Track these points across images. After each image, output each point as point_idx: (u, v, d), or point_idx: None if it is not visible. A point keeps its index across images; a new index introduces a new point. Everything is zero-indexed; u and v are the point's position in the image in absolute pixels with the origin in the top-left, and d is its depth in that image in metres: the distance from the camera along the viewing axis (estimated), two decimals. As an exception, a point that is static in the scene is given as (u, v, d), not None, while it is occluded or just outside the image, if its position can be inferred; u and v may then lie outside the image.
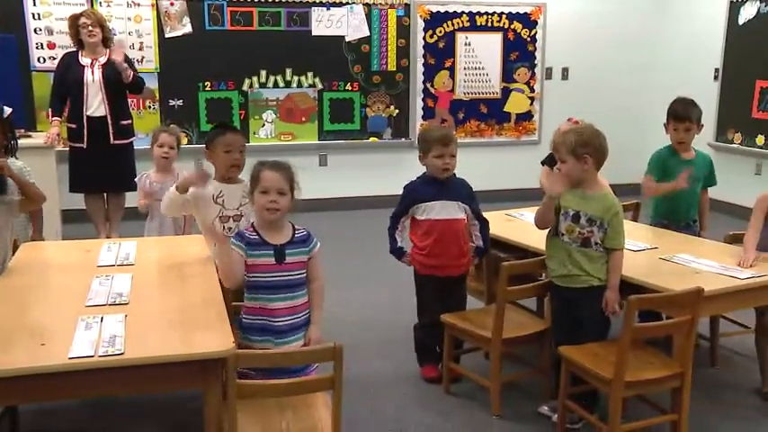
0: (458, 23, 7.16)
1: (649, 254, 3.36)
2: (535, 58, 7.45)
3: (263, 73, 6.72)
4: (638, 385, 2.80)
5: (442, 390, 3.45)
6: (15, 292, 2.83)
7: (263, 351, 2.51)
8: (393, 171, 7.11)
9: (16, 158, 3.79)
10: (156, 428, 3.16)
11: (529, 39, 7.39)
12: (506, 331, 3.18)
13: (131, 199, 5.70)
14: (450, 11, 7.12)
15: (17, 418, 2.99)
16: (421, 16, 7.05)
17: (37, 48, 6.08)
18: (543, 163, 4.26)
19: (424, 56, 7.14)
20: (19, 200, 3.27)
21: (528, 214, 4.10)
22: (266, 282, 2.70)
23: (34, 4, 6.03)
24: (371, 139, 7.15)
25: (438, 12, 7.09)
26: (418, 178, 3.55)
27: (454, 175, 3.52)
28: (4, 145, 3.70)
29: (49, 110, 5.50)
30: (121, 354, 2.22)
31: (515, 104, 7.51)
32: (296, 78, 6.82)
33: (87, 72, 5.31)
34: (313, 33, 6.73)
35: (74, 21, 5.37)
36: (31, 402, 2.95)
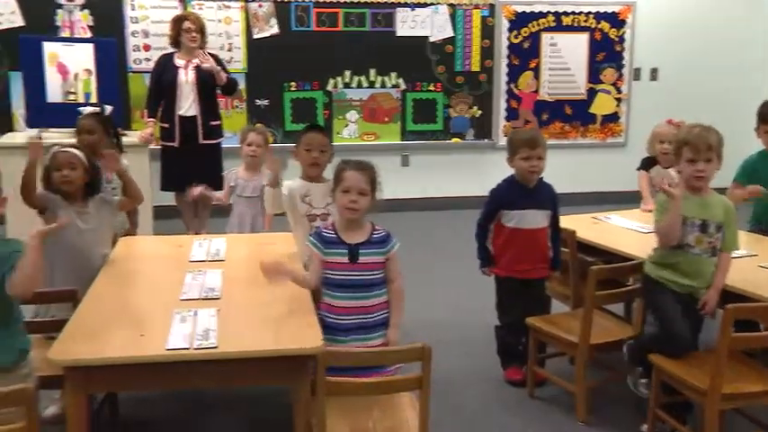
0: (543, 23, 7.05)
1: (748, 261, 3.22)
2: (623, 58, 7.26)
3: (348, 73, 6.78)
4: (736, 398, 2.68)
5: (525, 393, 3.41)
6: (116, 285, 2.95)
7: (352, 349, 2.53)
8: (475, 172, 7.10)
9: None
10: (243, 422, 3.22)
11: (617, 39, 7.20)
12: (594, 337, 3.10)
13: (219, 197, 5.88)
14: (536, 11, 7.01)
15: (117, 405, 3.10)
16: (506, 16, 6.97)
17: (133, 50, 6.31)
18: (640, 168, 4.16)
19: (509, 56, 7.06)
20: (120, 199, 3.40)
21: (615, 217, 4.00)
22: (338, 280, 2.73)
23: (132, 9, 6.26)
24: (454, 139, 7.12)
25: (523, 12, 7.00)
26: (504, 181, 3.50)
27: (541, 179, 3.46)
28: (108, 143, 3.86)
29: (145, 110, 5.70)
30: (215, 347, 2.28)
31: (601, 106, 7.34)
32: (380, 79, 6.85)
33: (181, 73, 5.47)
34: (397, 34, 6.75)
35: (177, 23, 5.53)
36: (130, 390, 3.05)
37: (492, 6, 6.89)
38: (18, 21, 6.04)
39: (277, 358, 2.31)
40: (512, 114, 7.18)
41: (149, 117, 5.61)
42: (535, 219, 3.41)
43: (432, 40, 6.83)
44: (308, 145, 3.34)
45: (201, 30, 5.54)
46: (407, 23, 6.75)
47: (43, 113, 5.55)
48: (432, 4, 6.76)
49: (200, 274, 2.99)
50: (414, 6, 6.73)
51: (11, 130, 6.08)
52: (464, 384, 3.50)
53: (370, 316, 2.73)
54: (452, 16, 6.81)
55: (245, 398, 3.33)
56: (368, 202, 2.74)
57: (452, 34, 6.85)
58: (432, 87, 6.94)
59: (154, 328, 2.42)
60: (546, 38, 7.09)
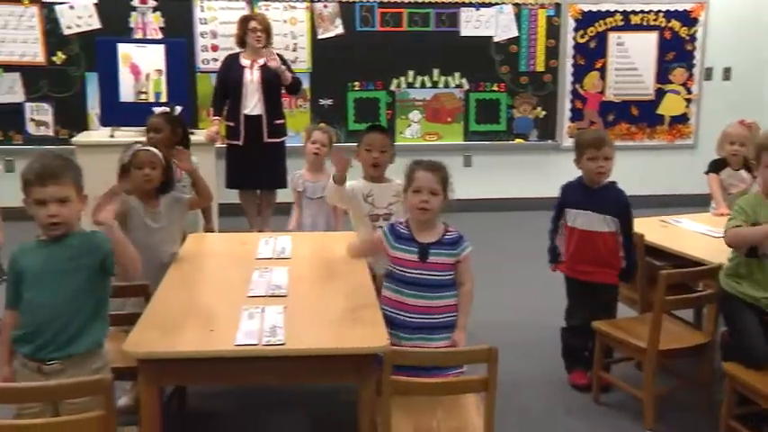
0: (611, 23, 6.91)
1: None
2: (693, 57, 7.06)
3: (411, 73, 6.77)
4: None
5: (590, 398, 3.35)
6: (185, 280, 3.02)
7: (418, 349, 2.53)
8: (538, 173, 7.02)
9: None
10: (306, 418, 3.26)
11: (687, 37, 7.01)
12: (663, 342, 3.03)
13: (282, 195, 5.94)
14: (603, 10, 6.88)
15: (185, 399, 3.18)
16: (572, 16, 6.86)
17: (202, 50, 6.44)
18: (709, 171, 4.05)
19: (574, 56, 6.94)
20: (190, 198, 3.45)
21: (686, 221, 3.90)
22: (407, 277, 2.74)
23: (202, 10, 6.39)
24: (517, 140, 7.05)
25: (590, 11, 6.87)
26: (575, 179, 3.48)
27: (613, 184, 3.39)
28: (175, 141, 3.94)
29: (211, 108, 5.81)
30: (282, 344, 2.31)
31: (670, 106, 7.15)
32: (443, 79, 6.82)
33: (247, 73, 5.56)
34: (461, 34, 6.71)
35: (243, 23, 5.63)
36: (199, 384, 3.12)
37: (558, 6, 6.79)
38: (95, 23, 6.23)
39: (343, 356, 2.33)
40: (576, 115, 7.06)
41: (215, 115, 5.72)
42: (591, 222, 3.35)
43: (496, 39, 6.77)
44: (368, 145, 3.35)
45: (267, 30, 5.62)
46: (471, 23, 6.71)
47: (116, 113, 5.72)
48: (496, 3, 6.71)
49: (267, 271, 3.04)
50: (478, 6, 6.68)
51: (86, 128, 6.29)
52: (528, 387, 3.46)
53: (434, 316, 2.73)
54: (517, 16, 6.74)
55: (308, 394, 3.36)
56: (439, 203, 2.74)
57: (517, 34, 6.78)
58: (495, 87, 6.88)
59: (223, 324, 2.47)
60: (613, 37, 6.95)
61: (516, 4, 6.73)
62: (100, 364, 2.40)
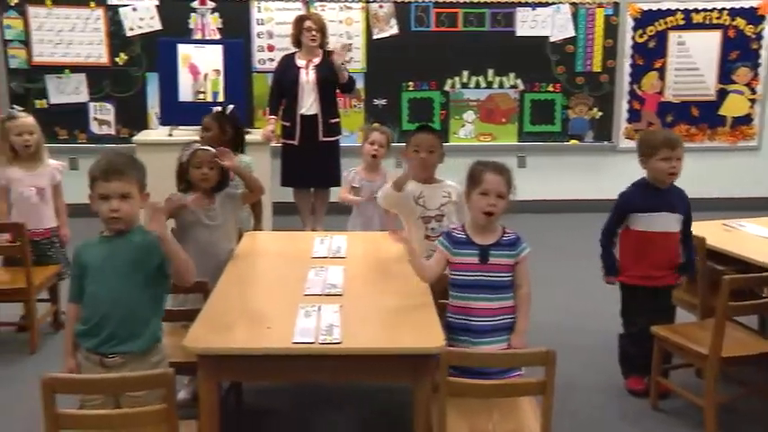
0: (671, 22, 6.76)
1: None
2: (759, 56, 6.85)
3: (465, 73, 6.74)
4: None
5: (647, 404, 3.29)
6: (242, 278, 3.07)
7: (474, 351, 2.52)
8: (593, 175, 6.91)
9: (244, 153, 4.07)
10: (359, 416, 3.27)
11: (753, 36, 6.80)
12: (725, 349, 2.95)
13: (336, 194, 5.98)
14: (664, 8, 6.73)
15: (241, 395, 3.23)
16: (630, 15, 6.73)
17: (258, 50, 6.52)
18: None
19: (632, 56, 6.81)
20: (242, 192, 3.47)
21: (750, 225, 3.80)
22: (469, 281, 2.72)
23: (259, 11, 6.47)
24: (572, 141, 6.95)
25: (650, 10, 6.73)
26: (634, 185, 3.40)
27: (672, 182, 3.34)
28: (224, 140, 3.97)
29: (267, 108, 5.88)
30: (339, 343, 2.33)
31: (732, 107, 6.96)
32: (497, 79, 6.77)
33: (302, 73, 5.61)
34: (517, 34, 6.66)
35: (299, 23, 5.68)
36: (256, 380, 3.15)
37: (616, 5, 6.67)
38: (156, 25, 6.37)
39: (399, 356, 2.34)
40: (633, 116, 6.93)
41: (270, 115, 5.79)
42: (668, 222, 3.29)
43: (552, 39, 6.69)
44: (416, 146, 3.33)
45: (322, 29, 5.66)
46: (527, 23, 6.64)
47: (175, 112, 5.83)
48: (553, 3, 6.63)
49: (323, 270, 3.06)
50: (535, 6, 6.61)
51: (145, 127, 6.43)
52: (583, 391, 3.41)
53: (497, 318, 2.71)
54: (574, 15, 6.65)
55: (362, 393, 3.38)
56: (505, 205, 2.73)
57: (574, 34, 6.68)
58: (550, 88, 6.80)
59: (279, 322, 2.50)
60: (673, 36, 6.79)
61: (573, 4, 6.64)
62: (158, 358, 2.47)
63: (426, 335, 2.40)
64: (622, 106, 6.90)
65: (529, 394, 2.39)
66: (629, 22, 6.74)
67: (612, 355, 3.52)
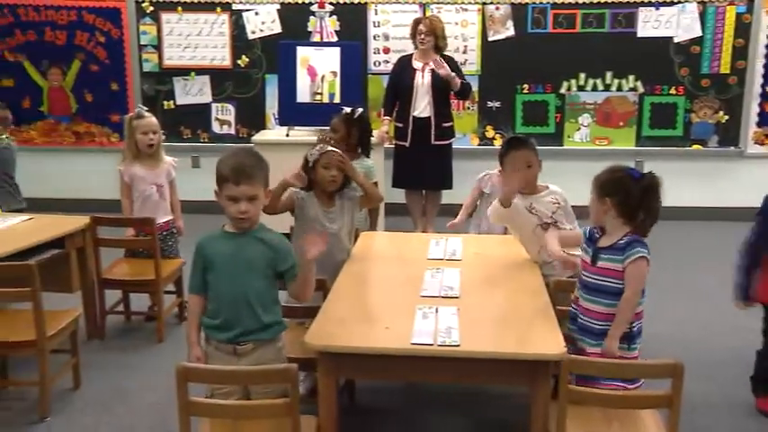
0: (813, 18, 6.36)
1: None
2: None
3: (583, 76, 6.59)
4: None
5: (779, 427, 3.12)
6: (360, 278, 3.12)
7: (596, 359, 2.46)
8: (717, 182, 6.60)
9: (368, 157, 4.12)
10: (475, 419, 3.25)
11: None
12: None
13: (447, 196, 5.98)
14: (802, 5, 6.36)
15: (354, 392, 3.28)
16: (767, 12, 6.36)
17: (374, 53, 6.61)
18: None
19: (767, 56, 6.46)
20: (361, 196, 3.48)
21: None
22: (583, 279, 2.73)
23: (375, 14, 6.57)
24: (694, 146, 6.66)
25: (787, 6, 6.36)
26: None
27: None
28: (351, 142, 4.04)
29: (382, 109, 5.95)
30: (458, 345, 2.33)
31: None
32: (616, 81, 6.58)
33: (418, 75, 5.65)
34: (638, 35, 6.44)
35: (414, 25, 5.75)
36: (373, 378, 3.20)
37: (750, 2, 6.32)
38: (277, 28, 6.58)
39: (518, 361, 2.32)
40: (765, 119, 6.56)
41: (385, 115, 5.85)
42: None
43: (676, 40, 6.43)
44: (512, 165, 3.28)
45: (434, 33, 5.67)
46: (650, 23, 6.42)
47: (293, 113, 6.01)
48: (678, 2, 6.37)
49: (439, 272, 3.08)
50: (658, 5, 6.38)
51: (264, 127, 6.65)
52: (707, 408, 3.27)
53: (596, 322, 2.65)
54: (701, 14, 6.37)
55: (477, 395, 3.35)
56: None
57: (700, 34, 6.40)
58: (673, 91, 6.54)
59: (397, 322, 2.53)
60: (815, 34, 6.39)
61: (702, 2, 6.35)
62: (281, 344, 2.56)
63: (547, 340, 2.37)
64: (752, 109, 6.55)
65: (654, 407, 2.32)
66: (765, 20, 6.38)
67: (740, 371, 3.36)
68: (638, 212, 2.64)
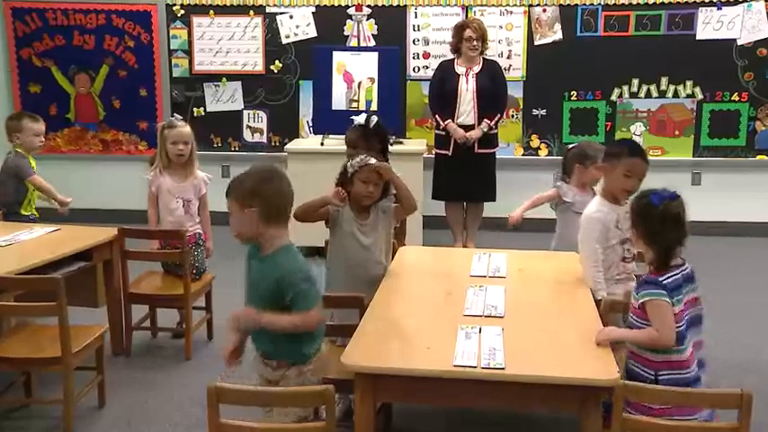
0: None
1: None
2: None
3: (636, 82, 6.52)
4: None
5: None
6: (398, 295, 3.12)
7: (654, 386, 2.42)
8: (785, 195, 6.50)
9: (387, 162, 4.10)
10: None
11: None
12: None
13: (489, 209, 5.96)
14: None
15: (391, 415, 3.27)
16: (837, 13, 6.26)
17: (413, 58, 6.63)
18: None
19: (837, 60, 6.34)
20: (396, 207, 3.44)
21: None
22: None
23: (415, 17, 6.59)
24: (759, 156, 6.54)
25: None
26: None
27: None
28: (373, 155, 3.98)
29: (435, 116, 5.86)
30: (502, 368, 2.32)
31: None
32: (672, 87, 6.50)
33: (462, 81, 5.65)
34: (697, 38, 6.36)
35: (459, 30, 5.76)
36: (413, 402, 3.13)
37: (822, 1, 6.22)
38: (312, 32, 6.64)
39: (567, 386, 2.29)
40: (836, 129, 6.44)
41: (447, 119, 5.73)
42: None
43: (740, 42, 6.33)
44: (629, 171, 3.17)
45: (482, 37, 5.68)
46: (711, 25, 6.33)
47: (328, 120, 6.02)
48: (744, 1, 6.27)
49: (482, 290, 3.06)
50: (721, 5, 6.29)
51: (297, 135, 6.70)
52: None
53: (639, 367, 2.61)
54: (769, 14, 6.27)
55: (522, 421, 3.32)
56: None
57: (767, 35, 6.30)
58: (735, 97, 6.44)
59: (439, 342, 2.52)
60: None
61: (769, 1, 6.25)
62: (307, 369, 2.51)
63: (598, 365, 2.34)
64: (823, 117, 6.43)
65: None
66: (835, 22, 6.27)
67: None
68: (658, 242, 2.59)
